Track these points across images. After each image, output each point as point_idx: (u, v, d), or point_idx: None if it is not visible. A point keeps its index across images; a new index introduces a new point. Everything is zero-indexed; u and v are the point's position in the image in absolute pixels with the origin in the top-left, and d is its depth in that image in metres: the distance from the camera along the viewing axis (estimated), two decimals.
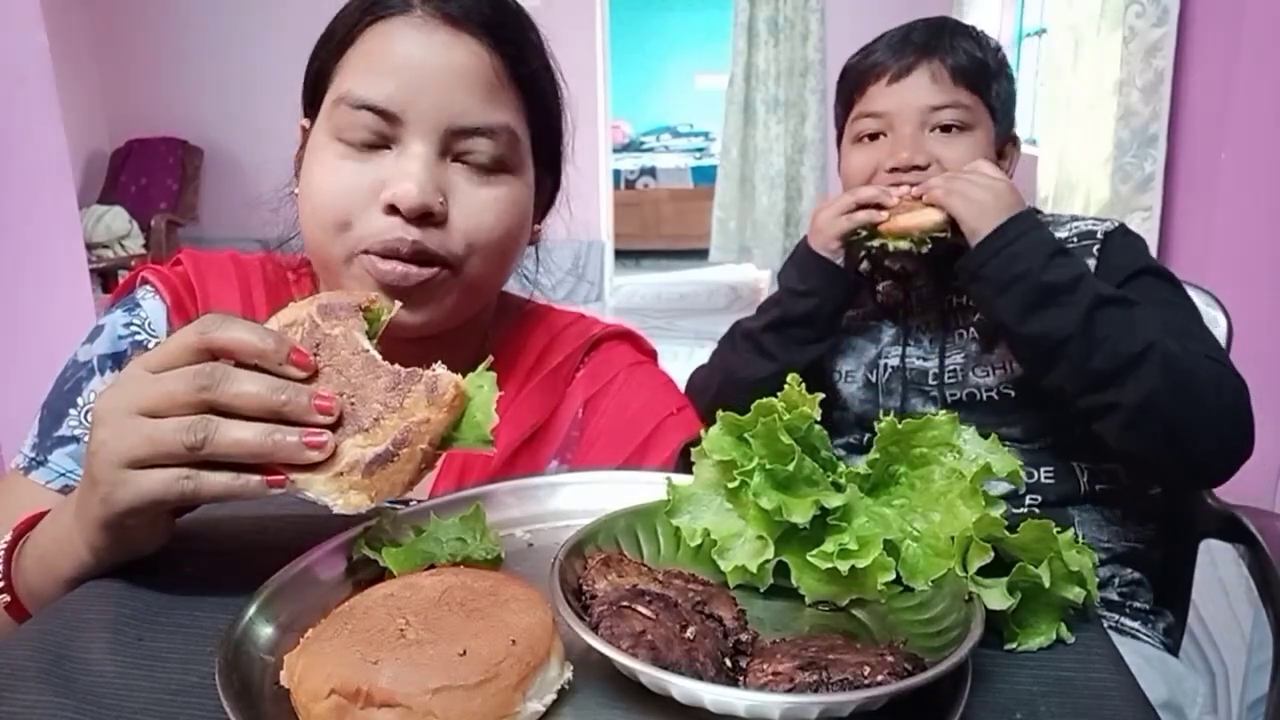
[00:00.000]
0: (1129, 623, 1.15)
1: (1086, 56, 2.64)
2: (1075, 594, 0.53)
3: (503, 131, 0.78)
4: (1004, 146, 1.22)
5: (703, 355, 1.32)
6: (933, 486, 0.58)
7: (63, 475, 0.81)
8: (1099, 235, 1.14)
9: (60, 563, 0.61)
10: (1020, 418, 1.14)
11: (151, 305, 0.88)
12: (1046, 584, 0.51)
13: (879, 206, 1.11)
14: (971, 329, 1.18)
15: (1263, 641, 1.48)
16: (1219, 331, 1.22)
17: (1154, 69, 2.21)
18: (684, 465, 0.64)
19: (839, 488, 0.57)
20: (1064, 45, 2.86)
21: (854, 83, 1.21)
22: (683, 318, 5.76)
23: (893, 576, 0.55)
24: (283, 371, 0.55)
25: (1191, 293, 1.19)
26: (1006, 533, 0.53)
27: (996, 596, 0.51)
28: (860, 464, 0.59)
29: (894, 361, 1.22)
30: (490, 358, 0.59)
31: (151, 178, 5.57)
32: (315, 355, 0.56)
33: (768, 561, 0.57)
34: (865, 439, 1.21)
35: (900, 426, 0.58)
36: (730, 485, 0.58)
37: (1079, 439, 1.09)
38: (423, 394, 0.55)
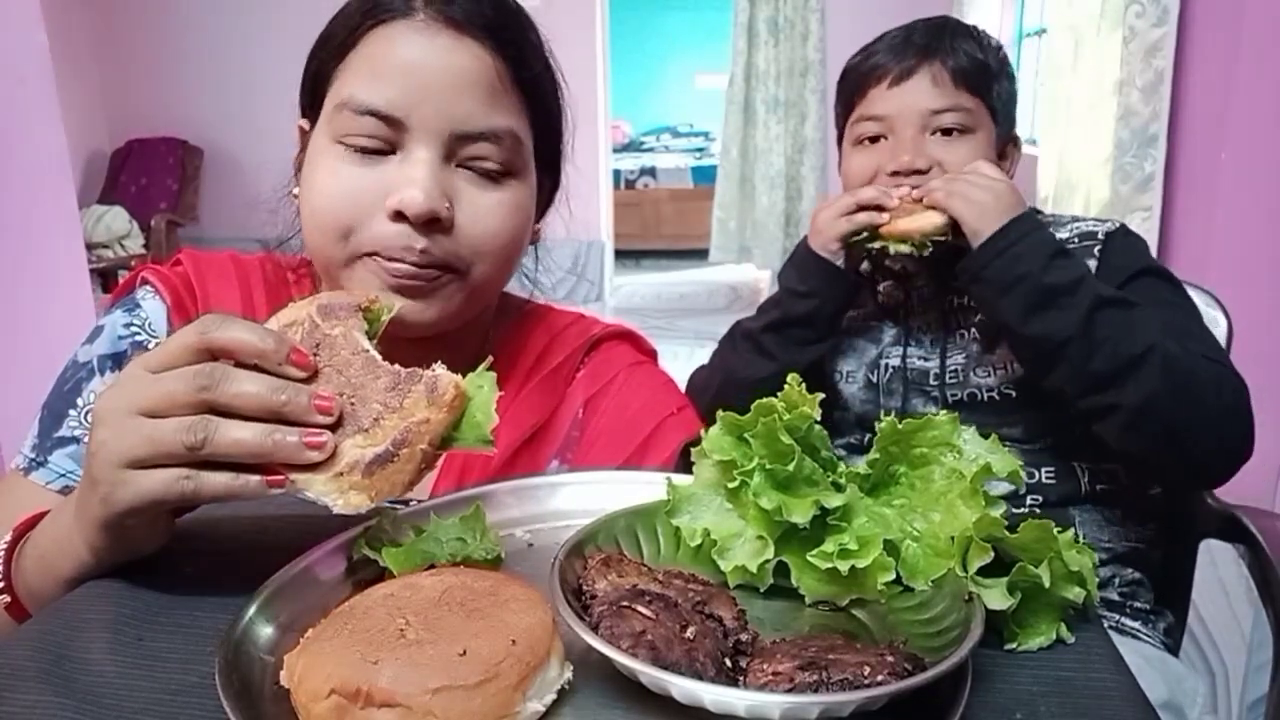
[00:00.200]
0: (1129, 623, 1.15)
1: (1086, 56, 2.64)
2: (1075, 594, 0.53)
3: (506, 136, 0.78)
4: (1005, 147, 1.22)
5: (703, 355, 1.32)
6: (933, 486, 0.58)
7: (63, 476, 0.81)
8: (1100, 236, 1.14)
9: (60, 563, 0.61)
10: (1021, 418, 1.14)
11: (152, 305, 0.88)
12: (1046, 584, 0.51)
13: (879, 208, 1.10)
14: (972, 329, 1.18)
15: (1263, 641, 1.48)
16: (1219, 331, 1.22)
17: (1154, 69, 2.21)
18: (684, 465, 0.64)
19: (839, 488, 0.57)
20: (1064, 45, 2.86)
21: (854, 85, 1.21)
22: (683, 318, 5.76)
23: (893, 576, 0.55)
24: (283, 372, 0.55)
25: (1191, 293, 1.19)
26: (1006, 533, 0.53)
27: (996, 596, 0.51)
28: (860, 464, 0.59)
29: (895, 362, 1.22)
30: (490, 358, 0.59)
31: (151, 178, 5.57)
32: (315, 355, 0.56)
33: (768, 561, 0.57)
34: (866, 439, 1.21)
35: (900, 426, 0.58)
36: (730, 485, 0.58)
37: (1079, 439, 1.09)
38: (423, 394, 0.55)
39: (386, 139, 0.76)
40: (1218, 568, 1.70)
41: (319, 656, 0.45)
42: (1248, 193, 1.94)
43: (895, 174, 1.14)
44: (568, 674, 0.48)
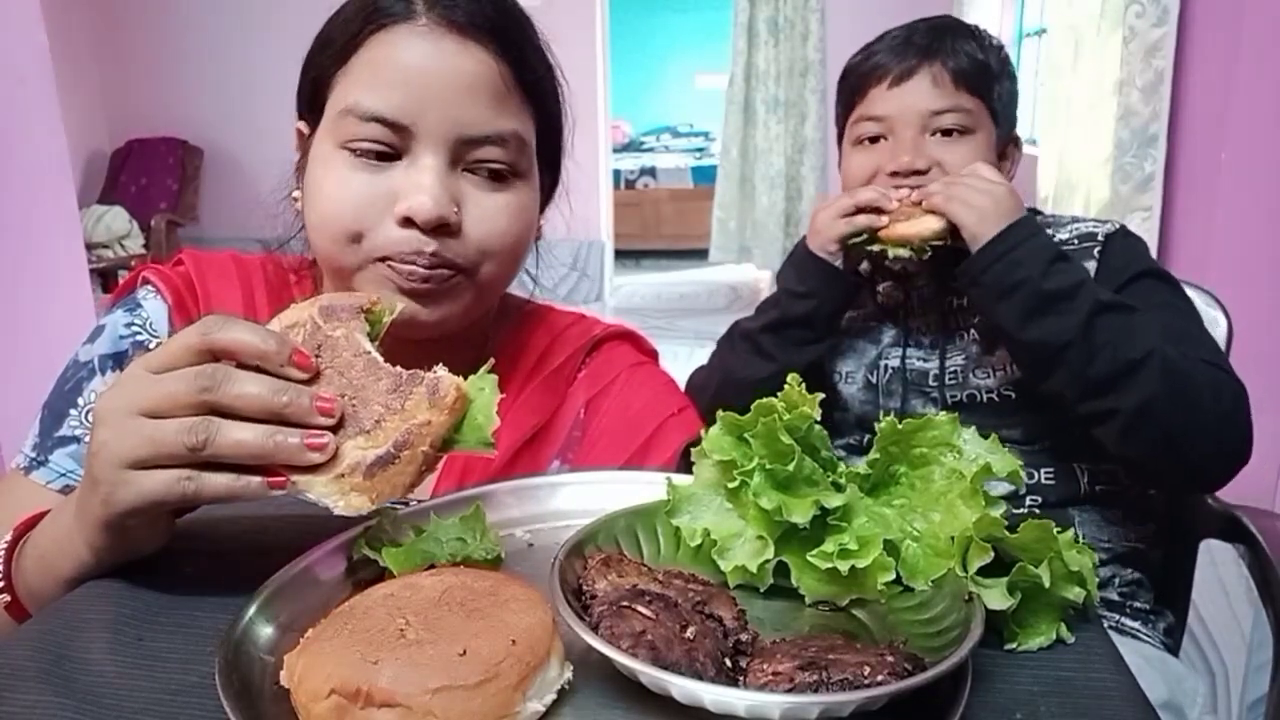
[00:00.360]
0: (1129, 623, 1.15)
1: (1086, 56, 2.64)
2: (1075, 594, 0.53)
3: (512, 138, 0.79)
4: (1005, 148, 1.21)
5: (703, 355, 1.32)
6: (933, 486, 0.58)
7: (63, 475, 0.81)
8: (1100, 237, 1.13)
9: (60, 563, 0.62)
10: (1020, 419, 1.14)
11: (153, 305, 0.88)
12: (1046, 584, 0.51)
13: (878, 211, 1.10)
14: (972, 330, 1.18)
15: (1263, 641, 1.48)
16: (1219, 332, 1.22)
17: (1154, 69, 2.21)
18: (685, 466, 0.64)
19: (839, 488, 0.57)
20: (1064, 45, 2.86)
21: (855, 85, 1.21)
22: (683, 318, 5.76)
23: (893, 576, 0.55)
24: (284, 373, 0.55)
25: (1191, 293, 1.19)
26: (1006, 533, 0.53)
27: (996, 596, 0.51)
28: (860, 464, 0.59)
29: (894, 363, 1.22)
30: (491, 360, 0.59)
31: (151, 178, 5.57)
32: (317, 357, 0.56)
33: (768, 561, 0.57)
34: (865, 440, 1.21)
35: (900, 427, 0.58)
36: (730, 485, 0.58)
37: (1079, 440, 1.09)
38: (424, 396, 0.55)
39: (393, 145, 0.76)
40: (1218, 568, 1.70)
41: (319, 656, 0.45)
42: (1248, 193, 1.94)
43: (895, 174, 1.14)
44: (568, 674, 0.48)
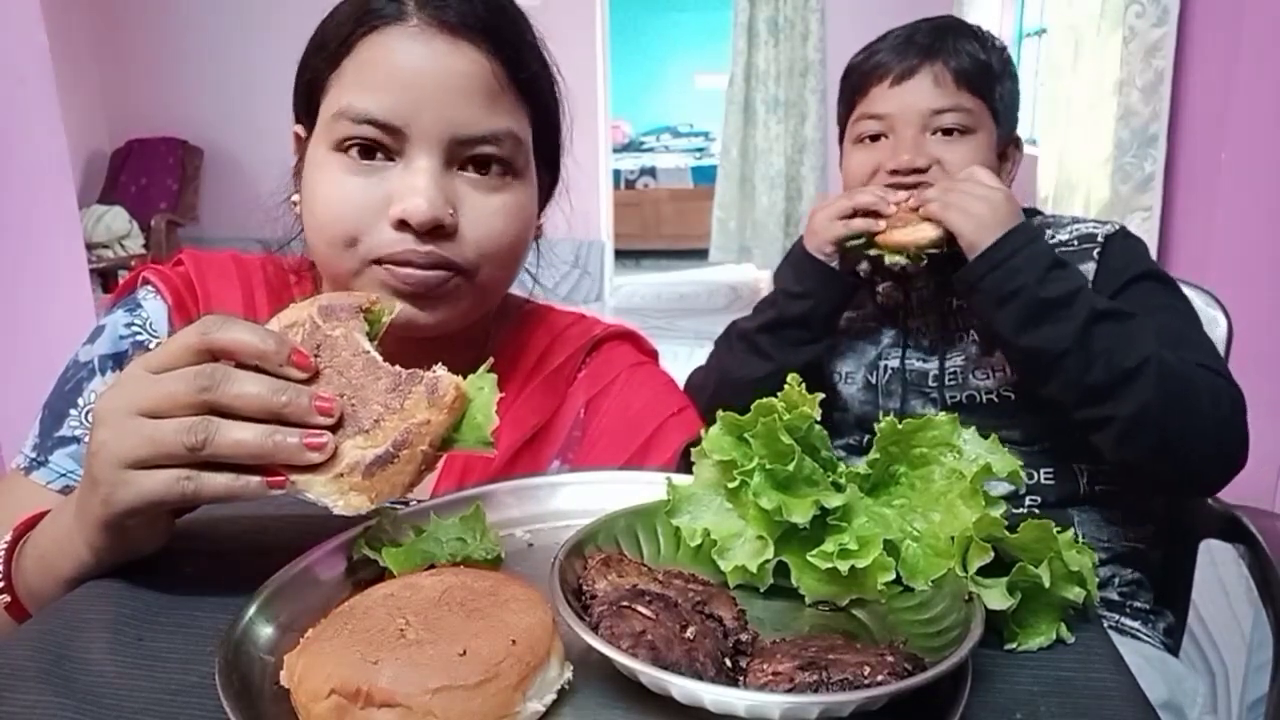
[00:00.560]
0: (1129, 623, 1.15)
1: (1086, 56, 2.64)
2: (1075, 594, 0.53)
3: (506, 137, 0.78)
4: (1006, 148, 1.21)
5: (703, 355, 1.32)
6: (933, 486, 0.58)
7: (63, 475, 0.81)
8: (1099, 238, 1.14)
9: (60, 563, 0.62)
10: (1020, 420, 1.14)
11: (153, 305, 0.88)
12: (1046, 584, 0.51)
13: (876, 215, 1.10)
14: (971, 331, 1.18)
15: (1263, 641, 1.48)
16: (1219, 331, 1.22)
17: (1154, 69, 2.21)
18: (685, 466, 0.64)
19: (839, 488, 0.57)
20: (1064, 45, 2.86)
21: (856, 83, 1.21)
22: (683, 318, 5.77)
23: (893, 576, 0.55)
24: (283, 373, 0.55)
25: (1191, 293, 1.19)
26: (1006, 533, 0.53)
27: (996, 596, 0.51)
28: (860, 464, 0.59)
29: (894, 363, 1.21)
30: (491, 359, 0.59)
31: (151, 178, 5.58)
32: (316, 356, 0.56)
33: (768, 561, 0.57)
34: (865, 440, 1.21)
35: (900, 427, 0.58)
36: (730, 485, 0.58)
37: (1079, 441, 1.09)
38: (423, 395, 0.55)
39: (386, 146, 0.76)
40: (1218, 568, 1.70)
41: (319, 656, 0.45)
42: (1248, 193, 1.94)
43: (895, 172, 1.13)
44: (568, 674, 0.48)
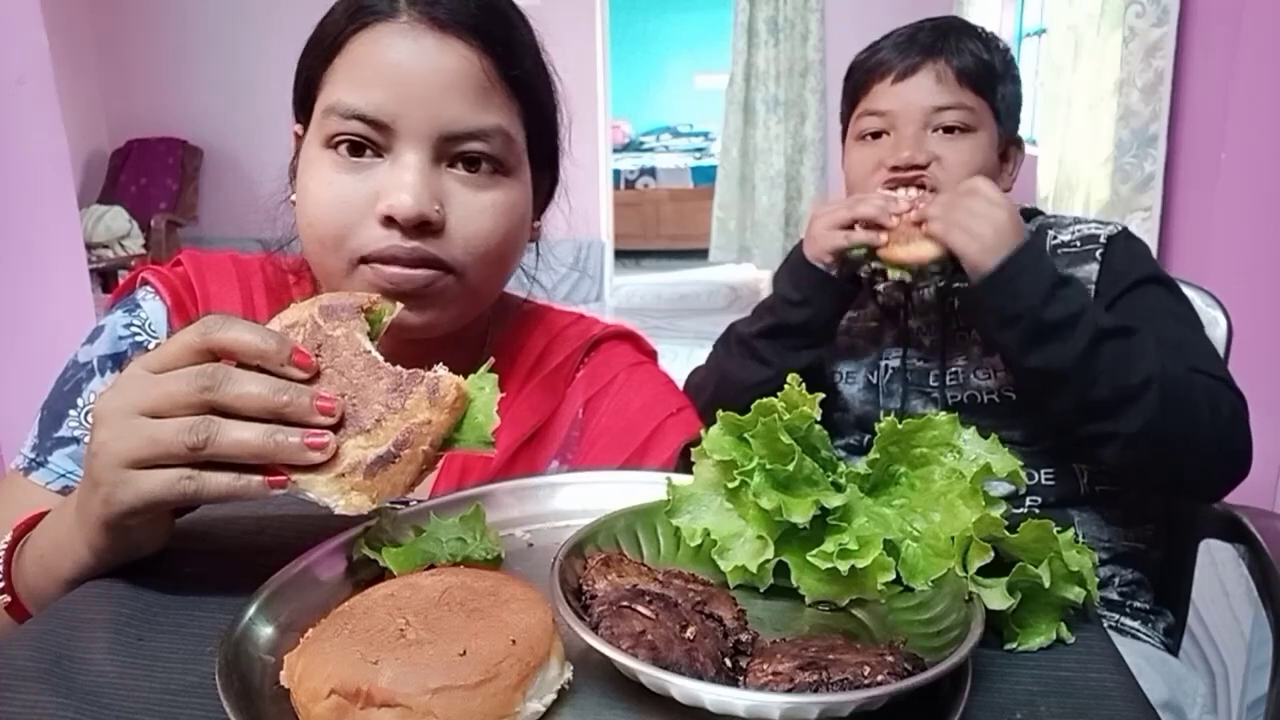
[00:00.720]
0: (1129, 623, 1.15)
1: (1086, 56, 2.64)
2: (1075, 594, 0.53)
3: (496, 134, 0.78)
4: (1008, 149, 1.21)
5: (703, 355, 1.32)
6: (933, 486, 0.58)
7: (63, 476, 0.81)
8: (1102, 240, 1.14)
9: (60, 563, 0.62)
10: (1021, 420, 1.14)
11: (152, 306, 0.88)
12: (1046, 584, 0.51)
13: (878, 227, 1.08)
14: (973, 331, 1.18)
15: (1263, 641, 1.48)
16: (1219, 331, 1.22)
17: (1154, 69, 2.21)
18: (684, 465, 0.64)
19: (839, 488, 0.57)
20: (1064, 45, 2.86)
21: (859, 80, 1.20)
22: (683, 318, 5.77)
23: (893, 576, 0.55)
24: (284, 372, 0.55)
25: (1191, 293, 1.19)
26: (1006, 533, 0.53)
27: (996, 596, 0.51)
28: (860, 464, 0.59)
29: (894, 363, 1.21)
30: (491, 359, 0.59)
31: (151, 178, 5.58)
32: (317, 356, 0.56)
33: (768, 561, 0.57)
34: (866, 440, 1.21)
35: (900, 426, 0.58)
36: (730, 485, 0.58)
37: (1079, 442, 1.09)
38: (424, 395, 0.55)
39: (375, 143, 0.76)
40: (1218, 568, 1.70)
41: (319, 656, 0.45)
42: (1248, 193, 1.94)
43: (895, 169, 1.13)
44: (568, 674, 0.48)
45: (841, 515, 0.56)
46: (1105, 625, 0.68)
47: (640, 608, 0.48)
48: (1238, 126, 1.96)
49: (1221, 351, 1.21)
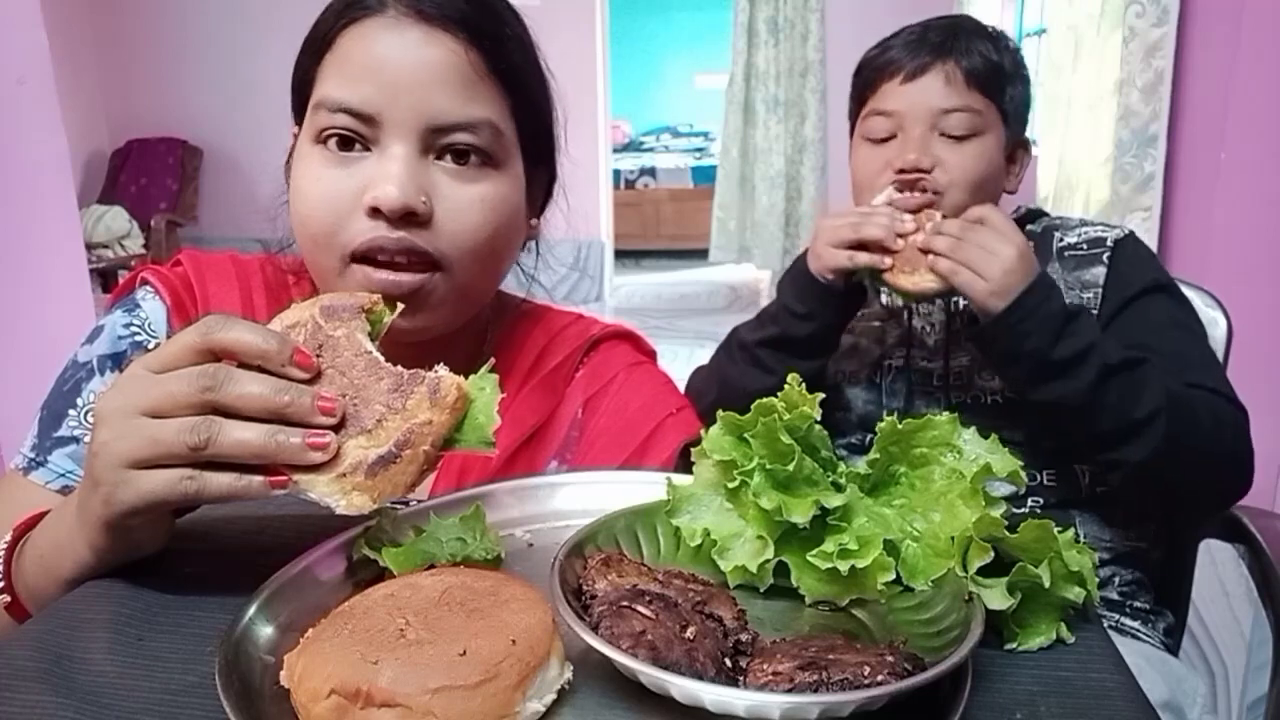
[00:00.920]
0: (1129, 623, 1.15)
1: (1086, 56, 2.64)
2: (1075, 594, 0.53)
3: (484, 126, 0.78)
4: (1014, 151, 1.20)
5: (702, 355, 1.32)
6: (933, 486, 0.58)
7: (62, 476, 0.81)
8: (1109, 243, 1.14)
9: (61, 563, 0.61)
10: (1024, 421, 1.14)
11: (151, 306, 0.88)
12: (1046, 584, 0.51)
13: (884, 249, 1.05)
14: None
15: (1263, 641, 1.48)
16: (1219, 331, 1.22)
17: (1154, 69, 2.21)
18: (684, 465, 0.64)
19: (839, 488, 0.57)
20: (1064, 45, 2.86)
21: (868, 78, 1.19)
22: (683, 318, 5.77)
23: (893, 576, 0.55)
24: (285, 373, 0.55)
25: (1191, 293, 1.20)
26: (1006, 533, 0.53)
27: (996, 596, 0.51)
28: (860, 464, 0.59)
29: (898, 363, 1.21)
30: (492, 359, 0.59)
31: (151, 178, 5.58)
32: (318, 356, 0.56)
33: (768, 561, 0.57)
34: (868, 440, 1.21)
35: (900, 426, 0.58)
36: (730, 485, 0.58)
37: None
38: (425, 396, 0.55)
39: (363, 136, 0.76)
40: (1218, 568, 1.70)
41: (319, 656, 0.45)
42: (1248, 193, 1.94)
43: (902, 171, 1.13)
44: (568, 674, 0.48)
45: (841, 515, 0.56)
46: (1105, 625, 0.68)
47: (640, 608, 0.48)
48: (1238, 126, 1.96)
49: (1221, 352, 1.21)
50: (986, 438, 0.58)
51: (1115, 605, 1.15)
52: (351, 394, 0.55)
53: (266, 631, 0.52)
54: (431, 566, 0.57)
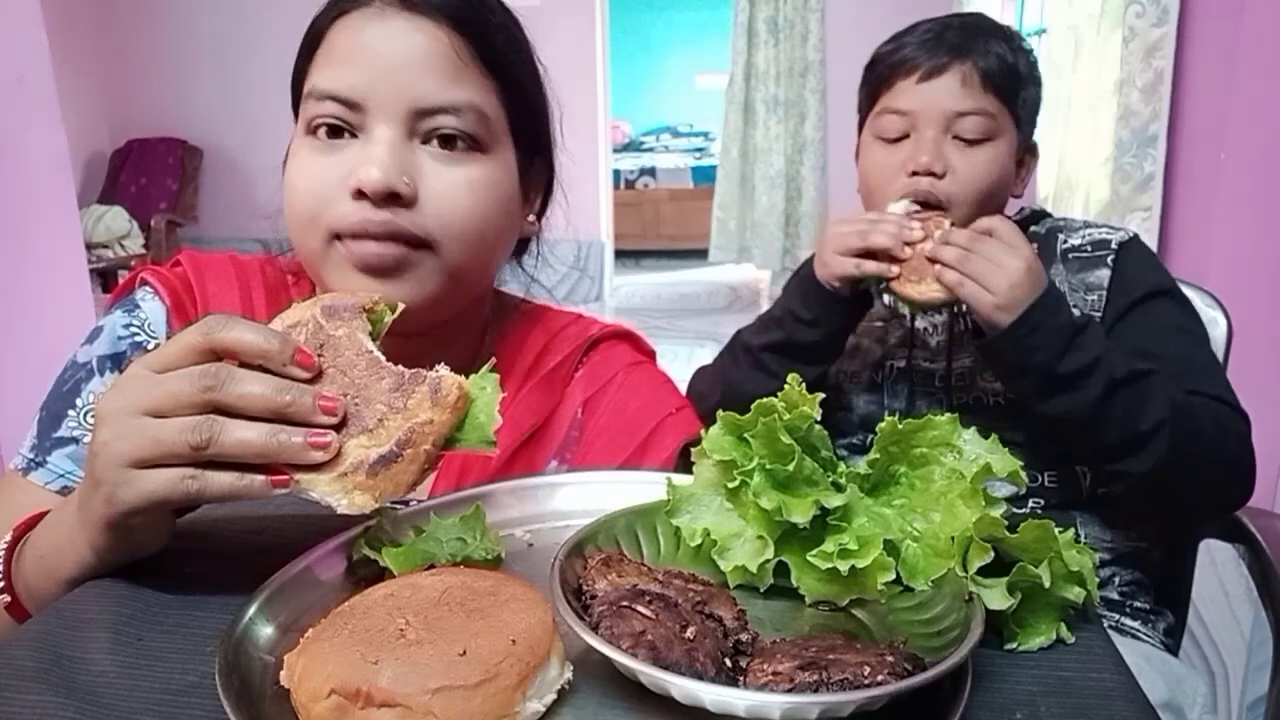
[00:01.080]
0: (1129, 623, 1.15)
1: (1086, 56, 2.64)
2: (1075, 594, 0.53)
3: (468, 109, 0.78)
4: (1023, 156, 1.19)
5: (702, 355, 1.32)
6: (933, 486, 0.58)
7: (61, 476, 0.81)
8: (1113, 245, 1.13)
9: (61, 563, 0.62)
10: (1025, 423, 1.13)
11: (151, 306, 0.88)
12: (1046, 584, 0.51)
13: (891, 258, 1.04)
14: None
15: (1263, 641, 1.48)
16: (1219, 331, 1.22)
17: (1154, 69, 2.21)
18: (683, 465, 0.64)
19: (839, 488, 0.57)
20: (1064, 45, 2.86)
21: (882, 74, 1.18)
22: (683, 318, 5.77)
23: (893, 576, 0.55)
24: (287, 372, 0.55)
25: (1191, 293, 1.20)
26: (1006, 533, 0.53)
27: (996, 596, 0.51)
28: (860, 464, 0.59)
29: (900, 364, 1.21)
30: (493, 359, 0.59)
31: (151, 178, 5.58)
32: (319, 356, 0.56)
33: (768, 561, 0.57)
34: (869, 440, 1.21)
35: (900, 426, 0.58)
36: (730, 485, 0.58)
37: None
38: (426, 395, 0.55)
39: (349, 123, 0.77)
40: (1218, 568, 1.70)
41: (319, 656, 0.45)
42: (1248, 193, 1.94)
43: (914, 174, 1.11)
44: (568, 674, 0.48)
45: (841, 515, 0.56)
46: (1105, 625, 0.68)
47: (640, 608, 0.48)
48: (1238, 126, 1.96)
49: (1221, 352, 1.21)
50: (987, 438, 0.58)
51: (1115, 605, 1.15)
52: (353, 393, 0.55)
53: (266, 631, 0.52)
54: (431, 566, 0.57)
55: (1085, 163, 2.63)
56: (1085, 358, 0.99)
